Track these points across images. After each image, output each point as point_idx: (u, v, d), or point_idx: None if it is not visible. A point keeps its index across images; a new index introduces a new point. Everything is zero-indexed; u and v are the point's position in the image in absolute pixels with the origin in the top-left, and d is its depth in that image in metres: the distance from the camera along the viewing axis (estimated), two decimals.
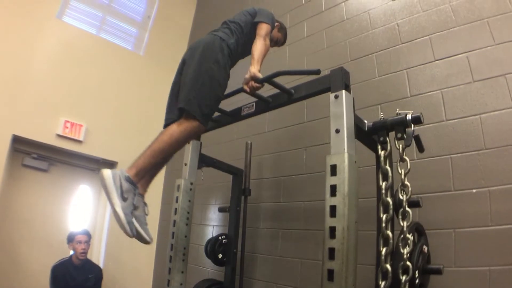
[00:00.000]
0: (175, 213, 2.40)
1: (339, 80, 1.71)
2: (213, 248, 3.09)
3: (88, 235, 3.73)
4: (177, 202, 2.42)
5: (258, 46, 2.25)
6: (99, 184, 1.73)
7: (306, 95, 1.97)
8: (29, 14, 4.18)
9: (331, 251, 1.41)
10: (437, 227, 2.14)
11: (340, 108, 1.63)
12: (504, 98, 2.14)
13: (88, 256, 3.77)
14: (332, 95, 1.69)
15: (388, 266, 1.57)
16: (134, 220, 1.73)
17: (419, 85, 2.56)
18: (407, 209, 1.68)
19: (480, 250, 1.99)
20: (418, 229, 1.88)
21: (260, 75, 2.06)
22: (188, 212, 2.42)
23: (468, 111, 2.26)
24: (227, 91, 2.22)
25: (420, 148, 1.95)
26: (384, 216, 1.67)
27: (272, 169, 3.40)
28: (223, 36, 2.21)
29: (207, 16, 5.61)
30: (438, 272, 1.72)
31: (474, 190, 2.10)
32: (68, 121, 4.22)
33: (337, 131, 1.59)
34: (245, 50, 2.42)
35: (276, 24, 2.60)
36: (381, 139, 1.80)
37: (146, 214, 1.83)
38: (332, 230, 1.44)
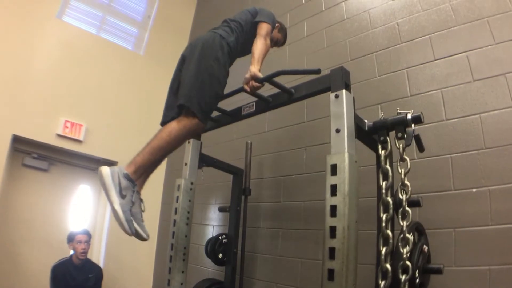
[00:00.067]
0: (176, 213, 2.40)
1: (339, 79, 1.71)
2: (213, 247, 3.09)
3: (88, 235, 3.73)
4: (177, 201, 2.42)
5: (259, 45, 2.25)
6: (99, 183, 1.73)
7: (306, 94, 1.97)
8: (29, 14, 4.18)
9: (332, 250, 1.42)
10: (437, 227, 2.15)
11: (341, 108, 1.63)
12: (504, 98, 2.14)
13: (88, 256, 3.77)
14: (332, 95, 1.69)
15: (388, 266, 1.57)
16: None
17: (419, 85, 2.56)
18: (407, 208, 1.68)
19: (480, 250, 1.99)
20: (418, 229, 1.88)
21: (260, 75, 2.06)
22: (188, 212, 2.42)
23: (468, 110, 2.26)
24: (226, 90, 2.22)
25: (420, 148, 1.95)
26: (384, 215, 1.67)
27: (272, 169, 3.40)
28: (223, 34, 2.21)
29: (207, 16, 5.61)
30: (438, 271, 1.71)
31: (474, 190, 2.10)
32: (68, 121, 4.22)
33: (338, 130, 1.59)
34: (244, 48, 2.42)
35: (276, 24, 2.60)
36: (382, 138, 1.80)
37: (143, 211, 1.83)
38: (333, 229, 1.44)
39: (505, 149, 2.05)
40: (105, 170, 1.70)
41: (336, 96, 1.67)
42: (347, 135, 1.56)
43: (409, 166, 1.74)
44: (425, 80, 2.54)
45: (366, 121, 1.88)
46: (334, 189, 1.49)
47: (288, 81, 2.18)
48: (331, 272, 1.39)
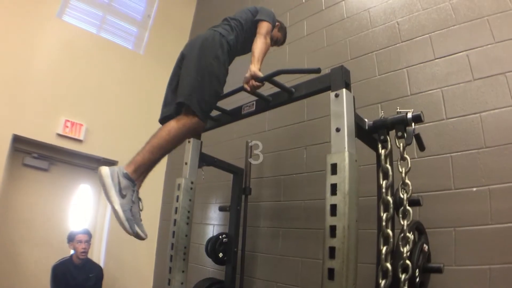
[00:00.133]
0: (176, 212, 2.40)
1: (340, 78, 1.71)
2: (214, 247, 3.09)
3: (89, 235, 3.73)
4: (177, 201, 2.41)
5: (259, 44, 2.24)
6: (99, 183, 1.73)
7: (306, 93, 1.97)
8: (29, 14, 4.18)
9: (332, 250, 1.42)
10: (437, 226, 2.15)
11: (341, 107, 1.63)
12: (504, 96, 2.14)
13: (89, 256, 3.77)
14: (332, 94, 1.69)
15: (388, 265, 1.57)
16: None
17: (419, 84, 2.56)
18: (408, 207, 1.68)
19: (481, 249, 1.99)
20: (418, 228, 1.88)
21: (260, 74, 2.06)
22: (188, 211, 2.42)
23: (468, 109, 2.26)
24: (226, 89, 2.22)
25: (421, 147, 1.95)
26: (385, 214, 1.67)
27: (272, 168, 3.40)
28: (223, 32, 2.21)
29: (207, 15, 5.60)
30: (439, 270, 1.71)
31: (474, 189, 2.10)
32: (68, 121, 4.22)
33: (338, 129, 1.59)
34: (244, 47, 2.41)
35: (276, 23, 2.59)
36: (382, 137, 1.80)
37: (141, 210, 1.82)
38: (333, 229, 1.44)
39: (505, 148, 2.05)
40: (105, 170, 1.70)
41: (336, 95, 1.67)
42: (347, 134, 1.56)
43: (409, 165, 1.74)
44: (425, 79, 2.54)
45: (366, 120, 1.88)
46: (334, 188, 1.49)
47: (288, 80, 2.18)
48: (331, 272, 1.39)
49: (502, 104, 2.13)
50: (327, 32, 3.40)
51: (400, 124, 1.74)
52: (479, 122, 2.20)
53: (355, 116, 1.68)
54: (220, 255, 3.09)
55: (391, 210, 1.67)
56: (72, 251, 3.66)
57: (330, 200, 1.49)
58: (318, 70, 1.86)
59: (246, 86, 2.14)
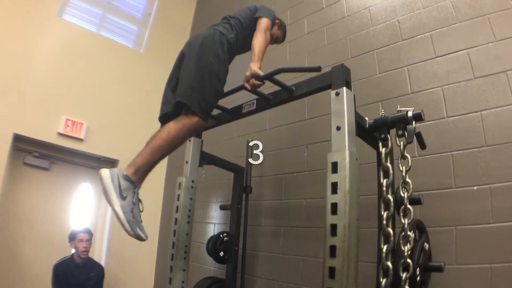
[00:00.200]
0: (177, 211, 2.40)
1: (340, 77, 1.70)
2: (215, 246, 3.10)
3: (90, 234, 3.73)
4: (178, 200, 2.41)
5: (259, 40, 2.23)
6: (100, 186, 1.73)
7: (307, 92, 1.96)
8: (30, 13, 4.18)
9: (332, 248, 1.42)
10: (438, 225, 2.15)
11: (341, 105, 1.63)
12: (505, 95, 2.14)
13: (90, 255, 3.77)
14: (333, 92, 1.69)
15: (389, 264, 1.57)
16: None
17: (420, 82, 2.56)
18: (408, 206, 1.68)
19: (481, 248, 1.99)
20: (419, 227, 1.88)
21: (260, 73, 2.06)
22: (189, 210, 2.42)
23: (469, 107, 2.26)
24: (226, 88, 2.21)
25: (422, 145, 1.95)
26: (385, 213, 1.67)
27: (273, 167, 3.40)
28: (223, 31, 2.19)
29: (207, 13, 5.60)
30: (439, 269, 1.72)
31: (475, 187, 2.10)
32: (69, 120, 4.22)
33: (338, 128, 1.59)
34: (244, 45, 2.41)
35: (276, 21, 2.59)
36: (382, 136, 1.80)
37: (141, 211, 1.81)
38: (333, 227, 1.44)
39: (506, 146, 2.05)
40: (105, 172, 1.70)
41: (337, 94, 1.67)
42: (348, 133, 1.55)
43: (410, 164, 1.73)
44: (426, 78, 2.53)
45: (366, 118, 1.88)
46: (335, 187, 1.49)
47: (288, 79, 2.17)
48: (332, 270, 1.39)
49: (503, 103, 2.13)
50: (327, 31, 3.40)
51: (401, 122, 1.73)
52: (479, 120, 2.19)
53: (355, 115, 1.67)
54: (221, 254, 3.10)
55: (392, 208, 1.66)
56: (73, 250, 3.67)
57: (331, 198, 1.48)
58: (318, 69, 1.85)
59: (246, 85, 2.13)
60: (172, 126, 1.88)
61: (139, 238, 1.75)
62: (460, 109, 2.30)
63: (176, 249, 2.32)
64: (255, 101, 2.28)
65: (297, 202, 3.04)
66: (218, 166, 3.04)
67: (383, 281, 1.56)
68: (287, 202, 3.15)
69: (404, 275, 1.55)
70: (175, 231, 2.37)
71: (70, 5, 4.62)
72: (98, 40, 4.81)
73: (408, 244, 1.60)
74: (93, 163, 4.63)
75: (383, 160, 1.76)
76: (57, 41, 4.36)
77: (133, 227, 1.69)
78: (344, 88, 1.66)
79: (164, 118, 2.09)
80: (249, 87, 2.13)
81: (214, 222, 3.90)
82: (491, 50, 2.27)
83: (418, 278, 1.63)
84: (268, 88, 2.18)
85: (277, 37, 2.74)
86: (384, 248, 1.62)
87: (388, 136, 1.79)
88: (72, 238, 3.65)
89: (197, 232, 3.81)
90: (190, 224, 2.42)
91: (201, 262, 3.78)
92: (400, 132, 1.73)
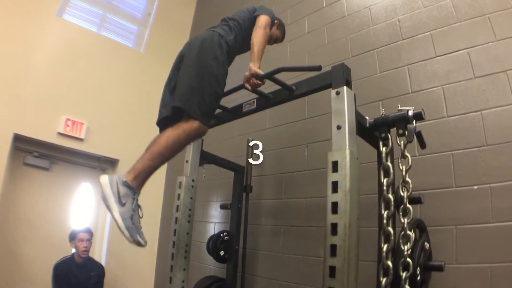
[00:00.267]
0: (177, 210, 2.40)
1: (341, 76, 1.70)
2: (215, 245, 3.10)
3: (90, 233, 3.73)
4: (178, 199, 2.42)
5: (259, 36, 2.21)
6: (99, 189, 1.72)
7: (307, 91, 1.96)
8: (30, 13, 4.18)
9: (333, 247, 1.41)
10: (438, 224, 2.15)
11: (342, 105, 1.63)
12: (505, 94, 2.14)
13: (90, 254, 3.77)
14: (333, 92, 1.69)
15: (389, 263, 1.57)
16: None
17: (420, 81, 2.56)
18: (408, 205, 1.68)
19: (482, 247, 1.99)
20: (419, 226, 1.88)
21: (260, 72, 2.06)
22: (189, 209, 2.42)
23: (470, 107, 2.26)
24: (227, 88, 2.21)
25: (422, 145, 1.95)
26: (386, 212, 1.67)
27: (273, 166, 3.40)
28: (222, 33, 2.17)
29: (207, 13, 5.60)
30: (440, 269, 1.72)
31: (475, 187, 2.10)
32: (69, 119, 4.22)
33: (339, 127, 1.58)
34: (243, 46, 2.40)
35: (275, 21, 2.58)
36: (383, 135, 1.80)
37: (141, 217, 1.79)
38: (334, 226, 1.44)
39: (506, 146, 2.05)
40: (104, 179, 1.69)
41: (337, 93, 1.67)
42: (348, 132, 1.55)
43: (410, 163, 1.73)
44: (426, 77, 2.53)
45: (367, 117, 1.88)
46: (335, 186, 1.49)
47: (289, 78, 2.17)
48: (332, 269, 1.39)
49: (503, 102, 2.13)
50: (328, 30, 3.39)
51: (401, 121, 1.73)
52: (480, 120, 2.19)
53: (356, 114, 1.67)
54: (222, 253, 3.10)
55: (392, 208, 1.67)
56: (73, 250, 3.67)
57: (331, 197, 1.48)
58: (319, 68, 1.85)
59: (247, 85, 2.13)
60: (172, 132, 1.85)
61: (139, 244, 1.74)
62: (460, 108, 2.30)
63: (177, 248, 2.32)
64: (255, 100, 2.27)
65: (297, 201, 3.05)
66: (218, 165, 3.04)
67: (384, 280, 1.56)
68: (288, 201, 3.15)
69: (404, 275, 1.55)
70: (175, 230, 2.37)
71: (70, 5, 4.62)
72: (98, 40, 4.81)
73: (408, 243, 1.60)
74: (94, 163, 4.63)
75: (384, 159, 1.76)
76: (57, 41, 4.37)
77: (133, 233, 1.68)
78: (345, 87, 1.66)
79: (163, 123, 2.07)
80: (249, 87, 2.13)
81: (215, 221, 3.90)
82: (491, 49, 2.27)
83: (419, 277, 1.63)
84: (268, 87, 2.18)
85: (276, 37, 2.74)
86: (385, 247, 1.62)
87: (389, 135, 1.79)
88: (73, 237, 3.65)
89: (197, 231, 3.81)
90: (190, 223, 2.42)
91: (202, 261, 3.79)
92: (400, 131, 1.73)
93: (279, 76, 1.99)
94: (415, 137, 1.75)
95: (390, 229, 1.63)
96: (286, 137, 3.36)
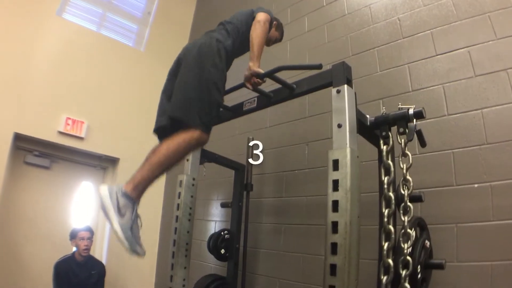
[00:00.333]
0: (178, 209, 2.41)
1: (341, 74, 1.70)
2: (216, 243, 3.10)
3: (91, 232, 3.73)
4: (179, 197, 2.42)
5: (258, 31, 2.19)
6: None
7: (307, 90, 1.96)
8: (29, 12, 4.17)
9: (334, 246, 1.42)
10: (439, 222, 2.15)
11: (342, 103, 1.63)
12: (506, 93, 2.14)
13: (91, 253, 3.78)
14: (334, 90, 1.69)
15: (390, 261, 1.57)
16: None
17: (420, 80, 2.56)
18: (409, 203, 1.68)
19: (482, 245, 1.99)
20: (420, 224, 1.88)
21: (260, 71, 2.06)
22: (190, 208, 2.43)
23: (470, 105, 2.26)
24: (227, 86, 2.21)
25: (422, 143, 1.95)
26: (386, 210, 1.67)
27: (274, 165, 3.40)
28: (220, 38, 2.15)
29: (207, 11, 5.59)
30: (440, 267, 1.72)
31: (476, 185, 2.10)
32: (69, 118, 4.22)
33: (339, 126, 1.59)
34: (242, 49, 2.38)
35: (274, 22, 2.56)
36: (383, 133, 1.80)
37: (140, 227, 1.78)
38: (335, 225, 1.44)
39: (507, 144, 2.05)
40: (103, 190, 1.67)
41: (338, 91, 1.67)
42: (349, 130, 1.56)
43: (411, 161, 1.73)
44: (426, 75, 2.53)
45: (368, 116, 1.88)
46: (336, 184, 1.49)
47: (289, 77, 2.17)
48: (333, 267, 1.40)
49: (504, 101, 2.13)
50: (328, 28, 3.39)
51: (402, 120, 1.74)
52: (480, 118, 2.20)
53: (356, 112, 1.68)
54: (222, 251, 3.10)
55: (393, 206, 1.67)
56: (74, 248, 3.68)
57: (332, 196, 1.49)
58: (319, 66, 1.85)
59: (248, 85, 2.13)
60: (172, 142, 1.81)
61: (137, 254, 1.72)
62: (461, 107, 2.30)
63: (177, 246, 2.33)
64: (256, 98, 2.28)
65: (298, 200, 3.05)
66: (219, 164, 3.05)
67: (384, 279, 1.57)
68: (288, 200, 3.15)
69: (404, 273, 1.55)
70: (176, 228, 2.38)
71: (70, 4, 4.61)
72: (98, 39, 4.80)
73: (409, 241, 1.60)
74: (94, 161, 4.63)
75: (384, 158, 1.76)
76: (57, 40, 4.36)
77: (132, 244, 1.67)
78: (345, 85, 1.66)
79: (160, 131, 2.04)
80: (250, 87, 2.13)
81: (215, 220, 3.90)
82: (491, 48, 2.27)
83: (419, 276, 1.64)
84: (269, 85, 2.18)
85: (276, 39, 2.71)
86: (385, 245, 1.62)
87: (389, 134, 1.79)
88: (73, 236, 3.66)
89: (198, 229, 3.81)
90: (191, 222, 2.43)
91: (202, 260, 3.79)
92: (401, 129, 1.74)
93: (279, 74, 1.99)
94: (415, 135, 1.76)
95: (391, 227, 1.64)
96: (287, 135, 3.36)
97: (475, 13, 2.41)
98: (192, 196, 2.45)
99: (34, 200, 4.15)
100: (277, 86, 2.10)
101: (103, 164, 4.72)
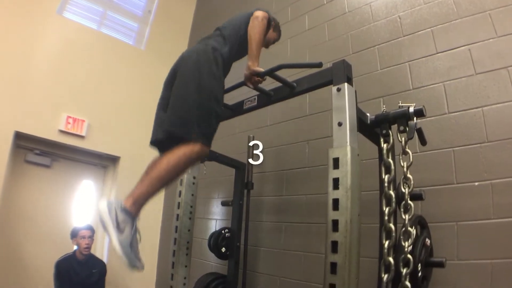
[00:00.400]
0: (178, 207, 2.41)
1: (341, 73, 1.71)
2: (216, 242, 3.10)
3: (92, 230, 3.73)
4: (180, 196, 2.43)
5: (256, 27, 2.14)
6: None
7: (308, 88, 1.96)
8: (30, 11, 4.17)
9: (334, 244, 1.42)
10: (439, 220, 2.15)
11: (343, 101, 1.63)
12: (506, 91, 2.13)
13: (92, 251, 3.79)
14: (334, 88, 1.69)
15: (391, 259, 1.58)
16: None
17: (421, 78, 2.56)
18: (409, 202, 1.68)
19: (483, 243, 1.99)
20: (420, 222, 1.88)
21: (260, 69, 2.05)
22: (191, 206, 2.43)
23: (470, 103, 2.26)
24: (227, 84, 2.20)
25: (423, 141, 1.95)
26: (387, 209, 1.68)
27: (274, 163, 3.41)
28: (216, 46, 2.09)
29: (208, 10, 5.59)
30: (441, 265, 1.72)
31: (476, 183, 2.10)
32: (70, 117, 4.22)
33: (340, 124, 1.59)
34: (241, 52, 2.31)
35: (272, 23, 2.52)
36: (384, 132, 1.80)
37: (139, 242, 1.77)
38: (335, 223, 1.44)
39: (508, 142, 2.05)
40: (102, 205, 1.64)
41: (338, 90, 1.67)
42: (349, 129, 1.56)
43: (411, 160, 1.74)
44: (427, 73, 2.53)
45: (368, 114, 1.88)
46: (336, 183, 1.49)
47: (289, 75, 2.17)
48: (333, 266, 1.40)
49: (504, 99, 2.13)
50: (328, 27, 3.39)
51: (402, 118, 1.74)
52: (481, 116, 2.19)
53: (357, 111, 1.68)
54: (223, 249, 3.10)
55: (393, 204, 1.67)
56: (75, 247, 3.68)
57: (333, 194, 1.49)
58: (319, 65, 1.85)
59: (249, 84, 2.13)
60: (173, 156, 1.76)
61: (137, 269, 1.73)
62: (461, 105, 2.30)
63: (178, 245, 2.34)
64: (256, 97, 2.28)
65: (298, 198, 3.05)
66: (219, 162, 3.05)
67: (385, 277, 1.57)
68: (289, 198, 3.16)
69: (405, 271, 1.55)
70: (176, 227, 2.39)
71: (71, 2, 4.61)
72: (99, 38, 4.80)
73: (409, 239, 1.60)
74: (95, 160, 4.64)
75: (385, 156, 1.77)
76: (57, 39, 4.36)
77: (131, 260, 1.67)
78: (346, 84, 1.66)
79: (156, 144, 2.01)
80: (251, 86, 2.13)
81: (216, 218, 3.91)
82: (492, 46, 2.27)
83: (420, 274, 1.64)
84: (269, 84, 2.18)
85: (274, 40, 2.68)
86: (386, 243, 1.63)
87: (390, 132, 1.79)
88: (74, 235, 3.66)
89: (198, 228, 3.81)
90: (191, 220, 2.43)
91: (203, 258, 3.80)
92: (401, 128, 1.74)
93: (280, 73, 1.99)
94: (416, 133, 1.76)
95: (391, 225, 1.64)
96: (287, 134, 3.36)
97: (476, 11, 2.40)
98: (192, 195, 2.45)
99: (35, 199, 4.15)
100: (278, 84, 2.10)
101: (104, 162, 4.72)
